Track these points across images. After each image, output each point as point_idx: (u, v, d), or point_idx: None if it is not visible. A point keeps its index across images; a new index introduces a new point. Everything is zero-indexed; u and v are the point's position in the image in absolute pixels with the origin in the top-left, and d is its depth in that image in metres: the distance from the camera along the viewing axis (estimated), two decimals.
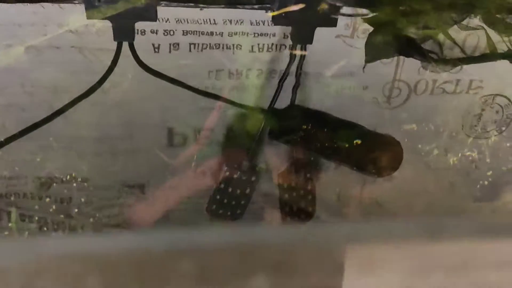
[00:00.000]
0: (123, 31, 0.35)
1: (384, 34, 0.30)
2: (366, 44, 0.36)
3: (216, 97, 0.37)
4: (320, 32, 0.40)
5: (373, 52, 0.35)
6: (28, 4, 0.37)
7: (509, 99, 0.46)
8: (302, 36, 0.36)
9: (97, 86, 0.37)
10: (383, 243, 0.19)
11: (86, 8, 0.33)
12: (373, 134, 0.34)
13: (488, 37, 0.32)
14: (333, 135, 0.32)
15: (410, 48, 0.33)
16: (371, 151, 0.32)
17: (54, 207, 0.44)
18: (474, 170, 0.45)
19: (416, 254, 0.19)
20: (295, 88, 0.37)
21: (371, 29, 0.38)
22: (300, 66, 0.37)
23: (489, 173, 0.46)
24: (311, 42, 0.37)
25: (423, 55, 0.32)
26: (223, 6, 0.35)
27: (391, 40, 0.33)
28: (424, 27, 0.29)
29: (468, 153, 0.44)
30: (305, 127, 0.33)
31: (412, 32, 0.29)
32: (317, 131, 0.33)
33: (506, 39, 0.33)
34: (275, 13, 0.33)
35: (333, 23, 0.35)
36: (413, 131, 0.44)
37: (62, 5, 0.38)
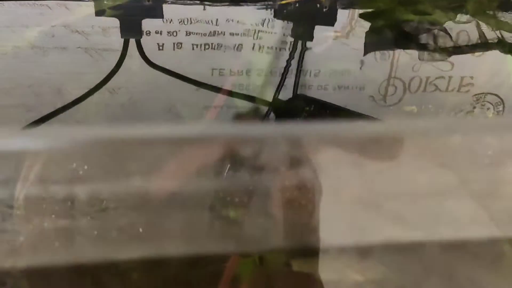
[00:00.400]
0: (130, 28, 0.36)
1: (383, 24, 0.32)
2: (365, 39, 0.37)
3: (220, 90, 0.38)
4: (318, 32, 0.42)
5: (371, 46, 0.37)
6: (35, 5, 0.38)
7: (499, 97, 0.48)
8: (303, 33, 0.38)
9: (103, 83, 0.38)
10: (409, 137, 0.20)
11: None
12: (374, 120, 0.35)
13: (479, 28, 0.34)
14: (335, 117, 0.34)
15: (407, 40, 0.34)
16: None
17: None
18: None
19: (439, 148, 0.21)
20: (296, 83, 0.39)
21: (367, 28, 0.40)
22: (300, 62, 0.39)
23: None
24: (311, 39, 0.39)
25: (420, 45, 0.34)
26: (227, 3, 0.36)
27: (389, 33, 0.34)
28: (421, 13, 0.31)
29: None
30: (308, 108, 0.35)
31: (409, 19, 0.31)
32: (320, 114, 0.34)
33: (497, 32, 0.35)
34: (285, 1, 0.35)
35: (332, 20, 0.37)
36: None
37: (69, 6, 0.39)
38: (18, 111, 0.41)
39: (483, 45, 0.34)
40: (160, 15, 0.36)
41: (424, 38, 0.34)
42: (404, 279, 0.34)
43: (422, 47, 0.34)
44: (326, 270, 0.34)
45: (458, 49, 0.34)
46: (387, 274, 0.33)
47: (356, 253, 0.32)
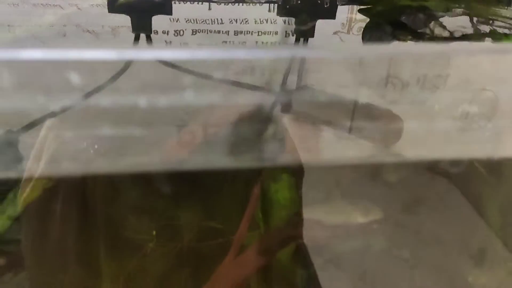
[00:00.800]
0: (141, 24, 0.37)
1: (381, 12, 0.34)
2: (363, 32, 0.39)
3: (228, 82, 0.39)
4: (319, 30, 0.44)
5: (369, 40, 0.38)
6: (48, 6, 0.40)
7: (495, 94, 0.49)
8: (305, 29, 0.40)
9: (112, 80, 0.39)
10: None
11: None
12: (377, 107, 0.37)
13: (472, 20, 0.36)
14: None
15: (404, 31, 0.36)
16: (375, 121, 0.35)
17: None
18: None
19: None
20: (299, 76, 0.40)
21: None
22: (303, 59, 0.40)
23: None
24: (313, 36, 0.40)
25: (417, 35, 0.36)
26: (233, 1, 0.38)
27: (386, 26, 0.36)
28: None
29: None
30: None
31: (407, 4, 0.33)
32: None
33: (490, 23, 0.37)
34: None
35: (332, 16, 0.39)
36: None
37: (80, 6, 0.41)
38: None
39: (475, 35, 0.35)
40: (169, 12, 0.37)
41: (420, 29, 0.36)
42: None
43: (419, 39, 0.36)
44: (334, 215, 0.36)
45: (452, 40, 0.36)
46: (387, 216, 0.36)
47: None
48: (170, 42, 0.43)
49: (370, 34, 0.38)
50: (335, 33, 0.45)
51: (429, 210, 0.57)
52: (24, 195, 0.27)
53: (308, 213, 0.32)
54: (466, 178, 0.59)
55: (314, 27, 0.40)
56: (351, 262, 0.44)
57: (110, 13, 0.40)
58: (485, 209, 0.57)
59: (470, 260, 0.50)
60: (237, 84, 0.38)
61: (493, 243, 0.52)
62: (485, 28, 0.36)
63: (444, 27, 0.35)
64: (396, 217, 0.52)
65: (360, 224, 0.37)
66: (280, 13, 0.39)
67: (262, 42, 0.44)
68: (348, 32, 0.45)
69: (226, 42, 0.43)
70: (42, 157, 0.28)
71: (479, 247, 0.53)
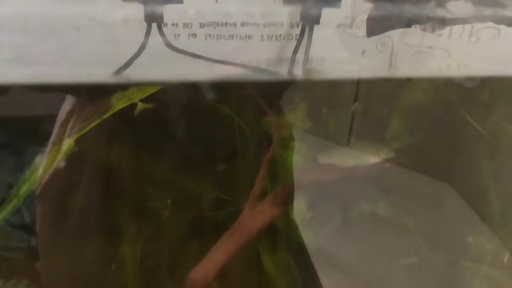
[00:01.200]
0: (153, 13, 0.39)
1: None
2: (367, 20, 0.40)
3: (236, 66, 0.40)
4: (322, 23, 0.45)
5: (374, 27, 0.40)
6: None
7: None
8: (310, 17, 0.41)
9: (124, 68, 0.40)
10: None
11: None
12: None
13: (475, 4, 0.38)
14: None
15: (408, 16, 0.38)
16: None
17: None
18: None
19: None
20: (304, 63, 0.42)
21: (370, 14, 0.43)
22: (309, 45, 0.42)
23: None
24: (318, 23, 0.42)
25: (421, 19, 0.37)
26: None
27: (391, 9, 0.38)
28: None
29: None
30: None
31: None
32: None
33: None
34: None
35: (337, 2, 0.40)
36: None
37: None
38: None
39: (475, 18, 0.37)
40: (180, 0, 0.39)
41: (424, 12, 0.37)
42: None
43: (423, 23, 0.37)
44: (350, 158, 0.37)
45: (455, 21, 0.37)
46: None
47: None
48: (179, 34, 0.44)
49: (374, 21, 0.40)
50: (338, 26, 0.46)
51: (429, 213, 0.58)
52: (49, 160, 0.28)
53: (323, 159, 0.33)
54: (466, 182, 0.60)
55: (320, 15, 0.41)
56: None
57: (120, 7, 0.41)
58: (485, 212, 0.58)
59: (471, 261, 0.51)
60: (246, 66, 0.39)
61: (495, 245, 0.53)
62: (488, 12, 0.38)
63: (447, 10, 0.36)
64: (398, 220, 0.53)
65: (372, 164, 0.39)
66: (286, 2, 0.41)
67: (269, 36, 0.45)
68: (351, 26, 0.46)
69: (232, 35, 0.45)
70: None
71: (479, 249, 0.53)
